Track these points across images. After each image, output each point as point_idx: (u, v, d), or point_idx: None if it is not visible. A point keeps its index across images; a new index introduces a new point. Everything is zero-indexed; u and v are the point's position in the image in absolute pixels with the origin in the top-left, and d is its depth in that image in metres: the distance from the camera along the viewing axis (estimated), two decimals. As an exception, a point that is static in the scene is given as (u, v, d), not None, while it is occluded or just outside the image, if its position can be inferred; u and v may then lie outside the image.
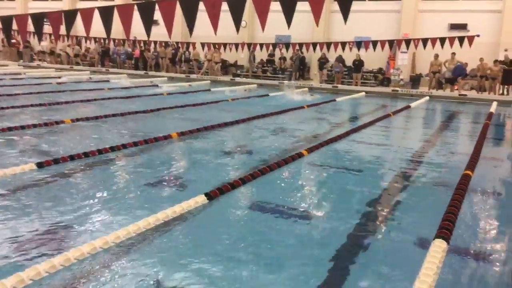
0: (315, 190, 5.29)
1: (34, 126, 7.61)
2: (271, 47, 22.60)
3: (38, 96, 12.11)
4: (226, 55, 23.57)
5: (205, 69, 23.47)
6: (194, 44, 23.18)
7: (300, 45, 21.38)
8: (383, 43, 19.41)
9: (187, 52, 24.22)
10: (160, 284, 2.89)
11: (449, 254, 3.34)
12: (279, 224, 4.07)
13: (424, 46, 18.76)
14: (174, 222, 3.83)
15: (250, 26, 24.31)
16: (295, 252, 3.47)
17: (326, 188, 5.33)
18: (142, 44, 24.96)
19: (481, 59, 18.21)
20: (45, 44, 27.09)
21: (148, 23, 7.43)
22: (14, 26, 9.04)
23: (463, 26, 20.76)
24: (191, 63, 24.30)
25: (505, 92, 18.27)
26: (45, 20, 9.00)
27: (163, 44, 24.21)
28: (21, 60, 26.62)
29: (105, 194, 4.58)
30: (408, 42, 19.47)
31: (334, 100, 15.04)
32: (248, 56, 23.65)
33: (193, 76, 22.45)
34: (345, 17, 7.03)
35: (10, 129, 7.24)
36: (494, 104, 14.80)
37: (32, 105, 10.17)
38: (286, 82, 20.06)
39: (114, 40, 25.04)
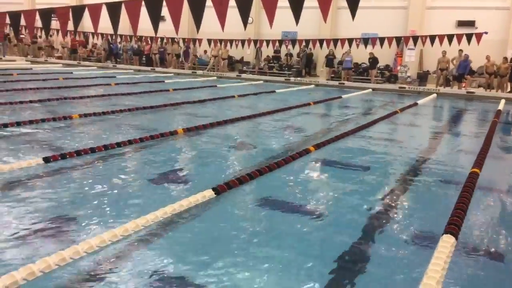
0: (322, 187, 5.28)
1: (42, 121, 7.65)
2: (277, 44, 22.56)
3: (45, 91, 12.18)
4: (232, 52, 23.57)
5: (211, 65, 23.50)
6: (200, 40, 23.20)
7: (307, 41, 21.32)
8: (390, 39, 19.34)
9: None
10: (166, 277, 2.90)
11: (457, 250, 3.34)
12: (285, 220, 4.07)
13: (432, 43, 18.68)
14: (181, 216, 3.85)
15: (256, 23, 24.30)
16: (302, 248, 3.47)
17: (333, 185, 5.33)
18: (149, 41, 25.01)
19: (488, 57, 18.08)
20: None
21: (156, 19, 7.43)
22: (22, 22, 9.09)
23: (471, 23, 20.65)
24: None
25: (514, 90, 18.16)
26: (52, 15, 9.04)
27: (170, 40, 24.24)
28: (29, 55, 26.74)
29: (112, 189, 4.60)
30: (415, 39, 19.41)
31: (340, 97, 15.01)
32: (254, 53, 23.63)
33: (199, 72, 22.48)
34: (353, 14, 7.00)
35: (18, 123, 7.29)
36: (502, 101, 14.71)
37: (40, 100, 10.23)
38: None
39: (121, 36, 25.10)
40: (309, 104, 12.42)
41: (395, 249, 3.54)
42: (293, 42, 21.86)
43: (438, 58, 19.02)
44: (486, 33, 17.89)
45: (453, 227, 3.54)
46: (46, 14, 8.71)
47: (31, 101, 9.99)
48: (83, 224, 3.64)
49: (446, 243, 3.26)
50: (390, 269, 3.20)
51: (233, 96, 13.41)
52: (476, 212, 4.35)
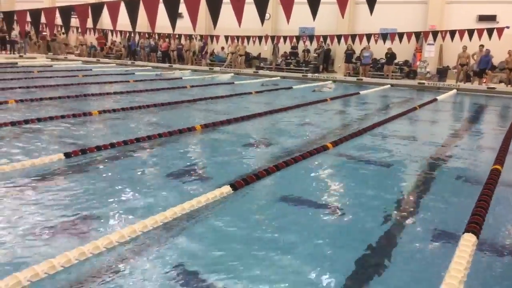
0: (340, 183, 5.25)
1: (62, 117, 7.76)
2: (294, 40, 22.45)
3: (66, 88, 12.35)
4: (249, 48, 23.55)
5: (228, 62, 23.51)
6: (217, 37, 23.21)
7: (324, 37, 21.16)
8: (409, 35, 19.08)
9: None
10: (184, 273, 2.92)
11: (479, 249, 3.28)
12: (303, 216, 4.06)
13: (452, 38, 18.37)
14: (199, 212, 3.87)
15: (273, 19, 24.19)
16: (319, 244, 3.46)
17: (350, 182, 5.29)
18: (166, 38, 25.12)
19: (510, 52, 17.71)
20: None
21: (173, 16, 7.45)
22: (42, 19, 9.20)
23: (492, 18, 20.23)
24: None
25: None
26: (72, 13, 9.13)
27: (187, 37, 24.33)
28: (50, 53, 27.11)
29: (131, 184, 4.64)
30: (435, 34, 19.10)
31: (358, 93, 14.89)
32: (271, 49, 23.55)
33: (216, 68, 22.51)
34: (371, 9, 6.93)
35: (39, 120, 7.40)
36: (524, 97, 14.42)
37: (60, 97, 10.38)
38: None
39: (139, 33, 25.27)
40: (326, 100, 12.34)
41: (415, 247, 3.50)
42: (311, 38, 21.71)
43: (458, 53, 18.70)
44: (507, 27, 17.51)
45: (474, 225, 3.49)
46: (66, 11, 8.81)
47: (51, 98, 10.15)
48: (102, 220, 3.69)
49: (468, 242, 3.21)
50: (410, 268, 3.16)
51: (250, 93, 13.41)
52: (498, 210, 4.27)
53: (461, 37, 18.10)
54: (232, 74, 20.51)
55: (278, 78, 19.76)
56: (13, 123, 7.03)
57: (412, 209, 4.36)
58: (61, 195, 4.22)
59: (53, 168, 5.00)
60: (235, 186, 4.40)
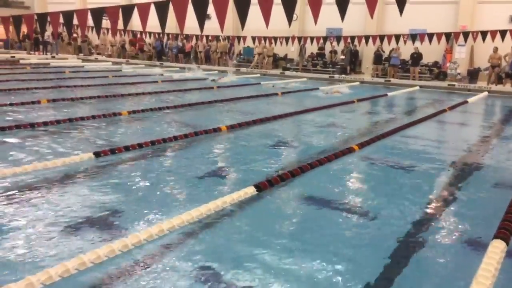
0: (365, 186, 5.21)
1: (93, 117, 7.94)
2: (321, 40, 22.33)
3: (96, 88, 12.62)
4: (276, 49, 23.54)
5: (255, 63, 23.56)
6: (244, 37, 23.29)
7: (352, 38, 20.97)
8: (439, 35, 18.74)
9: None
10: (209, 272, 2.96)
11: (508, 256, 3.21)
12: (327, 219, 4.05)
13: (483, 39, 17.95)
14: (224, 212, 3.90)
15: (301, 19, 24.13)
16: (343, 248, 3.44)
17: (376, 184, 5.24)
18: (194, 39, 25.37)
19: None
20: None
21: (202, 17, 7.53)
22: (74, 21, 9.44)
23: (526, 18, 19.68)
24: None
25: None
26: (103, 14, 9.33)
27: (214, 38, 24.51)
28: (81, 54, 27.72)
29: (158, 184, 4.72)
30: (466, 34, 18.70)
31: (386, 95, 14.71)
32: (298, 50, 23.49)
33: (243, 69, 22.57)
34: (401, 9, 6.86)
35: (70, 120, 7.59)
36: (559, 100, 13.97)
37: (90, 97, 10.62)
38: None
39: (167, 34, 25.57)
40: (353, 101, 12.24)
41: (442, 253, 3.45)
42: (338, 38, 21.56)
43: (489, 55, 18.26)
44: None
45: (504, 231, 3.41)
46: (98, 13, 9.00)
47: (82, 98, 10.39)
48: (130, 218, 3.77)
49: (497, 248, 3.14)
50: (436, 274, 3.12)
51: (277, 94, 13.42)
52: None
53: (493, 38, 17.66)
54: (233, 76, 19.69)
55: (305, 79, 19.64)
56: (45, 123, 7.23)
57: (440, 214, 4.30)
58: (91, 194, 4.33)
59: (83, 167, 5.13)
60: (259, 187, 4.43)
